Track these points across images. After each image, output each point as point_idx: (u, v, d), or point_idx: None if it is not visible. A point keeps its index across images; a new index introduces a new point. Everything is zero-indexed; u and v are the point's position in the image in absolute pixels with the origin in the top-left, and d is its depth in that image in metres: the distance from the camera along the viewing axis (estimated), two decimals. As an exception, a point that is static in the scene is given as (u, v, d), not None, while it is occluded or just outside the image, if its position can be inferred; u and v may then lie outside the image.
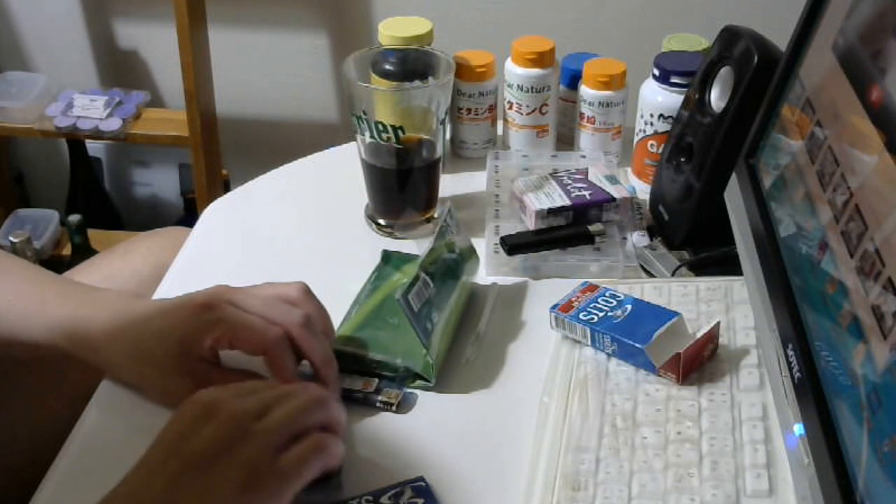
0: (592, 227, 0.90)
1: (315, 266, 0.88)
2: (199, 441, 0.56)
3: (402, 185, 0.93)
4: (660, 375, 0.72)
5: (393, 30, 1.01)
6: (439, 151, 0.93)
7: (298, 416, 0.61)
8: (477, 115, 1.05)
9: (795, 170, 0.69)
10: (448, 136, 1.06)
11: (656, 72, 0.96)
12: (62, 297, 0.75)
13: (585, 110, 1.02)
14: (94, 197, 2.09)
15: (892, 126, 0.54)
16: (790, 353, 0.62)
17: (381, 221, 0.95)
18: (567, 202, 0.90)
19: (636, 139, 1.00)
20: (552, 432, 0.70)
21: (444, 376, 0.77)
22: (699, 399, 0.71)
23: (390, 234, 0.94)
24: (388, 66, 0.95)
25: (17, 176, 2.16)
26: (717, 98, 0.89)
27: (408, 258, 0.88)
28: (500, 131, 1.08)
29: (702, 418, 0.69)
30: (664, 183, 0.94)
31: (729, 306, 0.79)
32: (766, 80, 0.77)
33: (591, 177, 0.94)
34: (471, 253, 0.86)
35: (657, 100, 0.97)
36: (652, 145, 0.98)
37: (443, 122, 0.93)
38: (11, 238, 1.65)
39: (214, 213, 1.02)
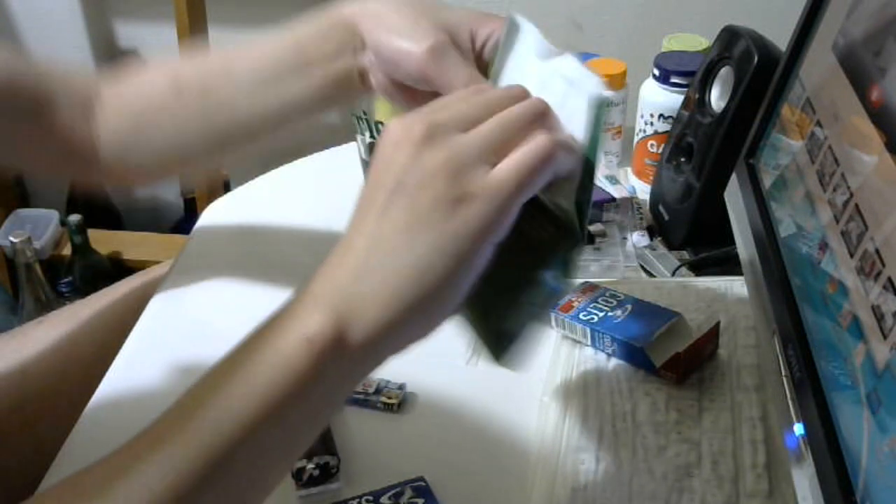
0: (592, 227, 0.90)
1: (315, 266, 0.87)
2: (395, 166, 0.48)
3: (402, 185, 0.93)
4: (660, 375, 0.72)
5: (393, 30, 1.01)
6: (439, 151, 0.93)
7: (512, 123, 0.50)
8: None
9: (795, 170, 0.69)
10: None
11: (656, 72, 0.96)
12: None
13: (585, 110, 1.02)
14: (94, 197, 2.08)
15: (892, 126, 0.54)
16: (790, 353, 0.62)
17: (381, 221, 0.95)
18: (567, 202, 0.90)
19: (636, 139, 1.00)
20: (552, 432, 0.69)
21: (445, 376, 0.77)
22: (699, 399, 0.71)
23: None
24: (388, 66, 0.95)
25: (17, 176, 2.16)
26: (717, 98, 0.89)
27: None
28: (500, 131, 1.08)
29: (702, 418, 0.69)
30: (664, 183, 0.94)
31: (729, 306, 0.79)
32: (766, 80, 0.77)
33: (591, 177, 0.94)
34: None
35: (657, 100, 0.97)
36: (652, 145, 0.98)
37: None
38: (11, 238, 1.65)
39: (214, 213, 1.02)
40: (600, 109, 0.52)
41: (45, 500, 0.49)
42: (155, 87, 0.74)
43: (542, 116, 0.51)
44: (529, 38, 0.57)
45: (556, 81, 0.54)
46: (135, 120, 0.75)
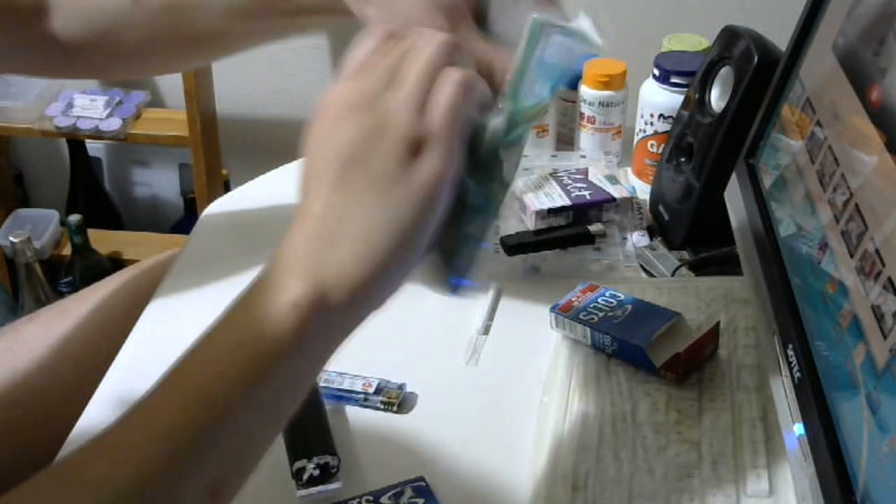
0: (592, 227, 0.90)
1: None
2: (340, 137, 0.51)
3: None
4: (660, 375, 0.72)
5: (393, 30, 1.01)
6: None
7: (430, 69, 0.52)
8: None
9: (795, 170, 0.69)
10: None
11: (656, 72, 0.96)
12: None
13: (585, 110, 1.02)
14: (94, 197, 2.08)
15: (892, 126, 0.54)
16: (790, 353, 0.62)
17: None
18: (567, 202, 0.90)
19: (636, 139, 1.00)
20: (552, 432, 0.69)
21: (445, 376, 0.77)
22: (699, 399, 0.71)
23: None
24: (388, 66, 0.95)
25: (17, 176, 2.16)
26: (717, 98, 0.89)
27: None
28: (500, 131, 1.08)
29: (702, 418, 0.69)
30: (664, 183, 0.94)
31: (729, 306, 0.79)
32: (766, 80, 0.77)
33: (591, 177, 0.94)
34: None
35: (657, 100, 0.97)
36: (652, 145, 0.98)
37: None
38: (11, 238, 1.65)
39: (214, 213, 1.02)
40: (535, 29, 0.55)
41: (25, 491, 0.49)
42: (112, 2, 0.76)
43: (453, 53, 0.54)
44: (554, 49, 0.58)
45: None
46: (93, 32, 0.76)
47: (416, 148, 0.50)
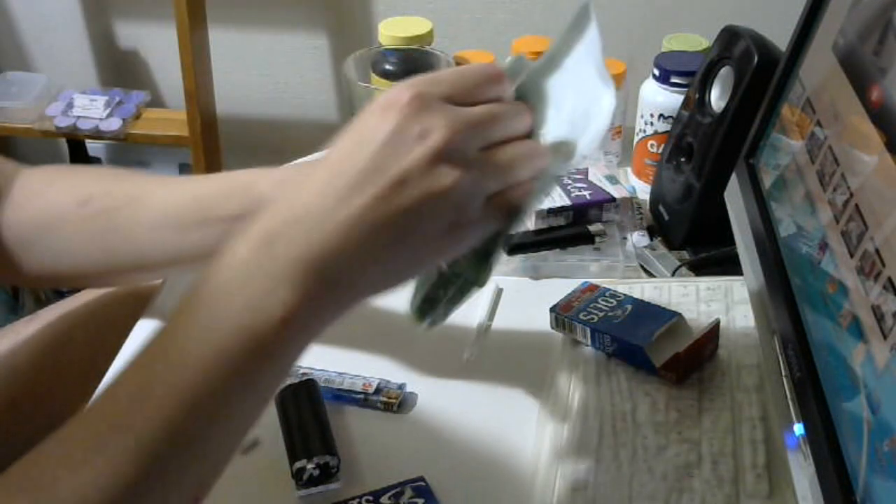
0: (592, 227, 0.90)
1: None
2: (400, 162, 0.46)
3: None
4: (660, 375, 0.72)
5: (393, 30, 1.01)
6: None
7: (521, 159, 0.50)
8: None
9: (795, 170, 0.69)
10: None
11: (656, 72, 0.96)
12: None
13: (585, 110, 1.02)
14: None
15: (892, 126, 0.54)
16: (790, 353, 0.62)
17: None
18: (567, 202, 0.91)
19: (636, 139, 1.00)
20: (552, 432, 0.70)
21: (445, 376, 0.77)
22: (699, 399, 0.71)
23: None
24: (388, 67, 0.95)
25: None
26: (717, 98, 0.89)
27: None
28: (500, 131, 1.08)
29: (702, 418, 0.69)
30: (664, 183, 0.94)
31: (729, 306, 0.79)
32: (766, 80, 0.77)
33: (591, 177, 0.94)
34: None
35: (657, 100, 0.97)
36: (652, 145, 0.98)
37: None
38: (11, 238, 1.65)
39: (214, 213, 1.02)
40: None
41: None
42: (61, 199, 0.74)
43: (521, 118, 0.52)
44: (593, 42, 0.58)
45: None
46: (35, 224, 0.74)
47: (462, 219, 0.48)
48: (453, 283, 0.55)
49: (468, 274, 0.54)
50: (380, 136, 0.47)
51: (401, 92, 0.48)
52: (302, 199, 0.47)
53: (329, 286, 0.47)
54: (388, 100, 0.48)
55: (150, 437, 0.44)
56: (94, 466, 0.44)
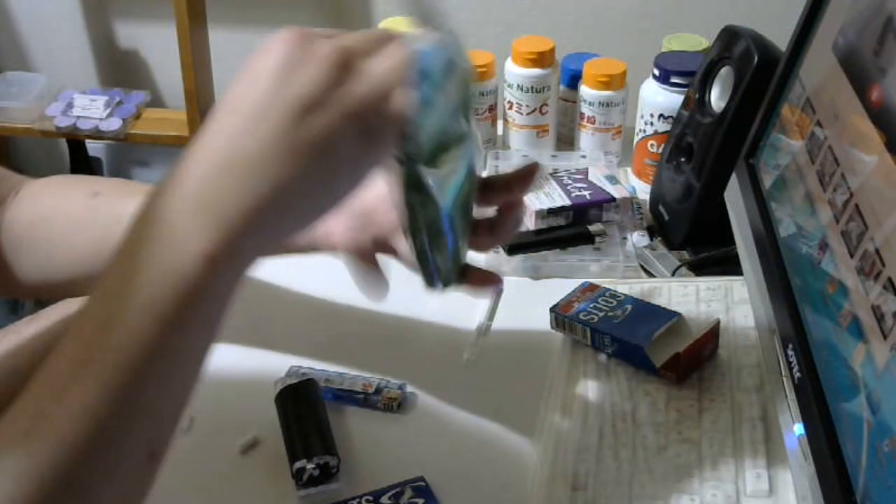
0: (592, 227, 0.90)
1: (315, 266, 0.88)
2: (294, 87, 0.47)
3: (402, 185, 0.93)
4: (660, 375, 0.72)
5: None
6: (439, 151, 0.93)
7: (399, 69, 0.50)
8: (477, 114, 1.05)
9: (795, 170, 0.69)
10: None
11: (656, 72, 0.96)
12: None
13: (585, 110, 1.02)
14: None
15: (892, 126, 0.54)
16: (790, 353, 0.62)
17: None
18: (567, 202, 0.91)
19: (636, 139, 1.00)
20: (552, 432, 0.70)
21: (445, 376, 0.77)
22: (699, 399, 0.71)
23: (390, 234, 0.94)
24: (388, 66, 0.95)
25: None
26: (717, 98, 0.89)
27: None
28: (499, 131, 1.08)
29: (702, 418, 0.69)
30: (664, 183, 0.94)
31: (729, 306, 0.79)
32: (766, 80, 0.77)
33: (591, 177, 0.94)
34: None
35: (657, 100, 0.97)
36: (652, 145, 0.98)
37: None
38: (11, 238, 1.65)
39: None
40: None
41: None
42: (70, 193, 0.74)
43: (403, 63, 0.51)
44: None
45: None
46: (40, 219, 0.74)
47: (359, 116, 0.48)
48: (418, 232, 0.56)
49: (422, 211, 0.54)
50: (270, 66, 0.48)
51: (283, 31, 0.49)
52: (207, 143, 0.48)
53: (247, 219, 0.46)
54: (272, 39, 0.49)
55: (91, 401, 0.44)
56: (39, 440, 0.44)
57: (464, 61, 0.53)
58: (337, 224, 0.68)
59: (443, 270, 0.59)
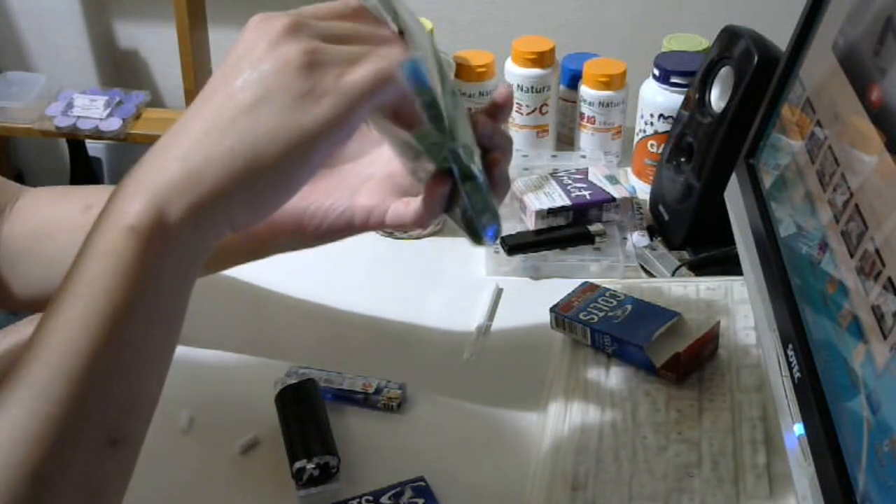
0: (592, 227, 0.90)
1: (314, 266, 0.88)
2: (254, 53, 0.50)
3: (402, 185, 0.93)
4: (660, 375, 0.72)
5: (393, 30, 1.01)
6: (439, 151, 0.93)
7: (368, 41, 0.52)
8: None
9: (795, 170, 0.69)
10: (448, 136, 1.06)
11: (656, 72, 0.96)
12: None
13: (585, 110, 1.02)
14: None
15: (892, 126, 0.54)
16: (790, 353, 0.62)
17: (381, 221, 0.95)
18: (567, 202, 0.91)
19: (636, 139, 1.00)
20: (552, 432, 0.70)
21: (445, 376, 0.77)
22: (699, 399, 0.71)
23: (391, 234, 0.94)
24: (388, 66, 0.95)
25: (17, 176, 2.16)
26: (717, 98, 0.89)
27: None
28: (500, 131, 1.08)
29: (702, 418, 0.69)
30: (664, 183, 0.94)
31: (729, 306, 0.80)
32: (766, 80, 0.77)
33: (591, 177, 0.94)
34: None
35: (657, 100, 0.97)
36: (652, 145, 0.98)
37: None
38: (11, 238, 1.65)
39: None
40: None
41: None
42: (65, 207, 0.74)
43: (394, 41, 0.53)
44: None
45: None
46: (35, 233, 0.74)
47: (317, 92, 0.48)
48: (464, 186, 0.56)
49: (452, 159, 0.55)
50: (233, 55, 0.50)
51: (252, 20, 0.52)
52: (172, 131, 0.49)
53: (169, 186, 0.47)
54: (246, 28, 0.52)
55: (45, 387, 0.45)
56: (14, 408, 0.45)
57: (435, 46, 0.54)
58: (371, 198, 0.66)
59: (486, 215, 0.58)
